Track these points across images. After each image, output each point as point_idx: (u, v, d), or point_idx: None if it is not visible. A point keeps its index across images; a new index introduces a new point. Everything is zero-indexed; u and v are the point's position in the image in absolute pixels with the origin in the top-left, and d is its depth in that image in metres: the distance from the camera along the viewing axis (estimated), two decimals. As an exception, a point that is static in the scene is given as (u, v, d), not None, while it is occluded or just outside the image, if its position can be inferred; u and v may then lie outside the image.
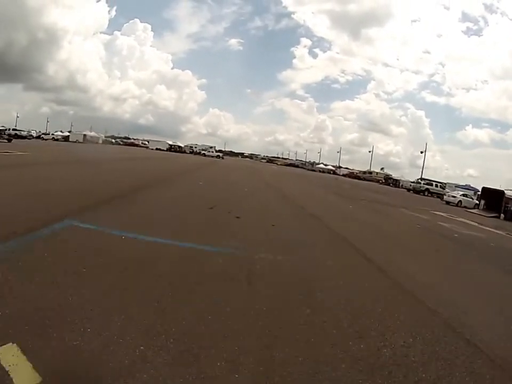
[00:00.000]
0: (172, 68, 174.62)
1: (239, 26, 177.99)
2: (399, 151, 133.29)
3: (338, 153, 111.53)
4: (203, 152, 75.00)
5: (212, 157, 70.86)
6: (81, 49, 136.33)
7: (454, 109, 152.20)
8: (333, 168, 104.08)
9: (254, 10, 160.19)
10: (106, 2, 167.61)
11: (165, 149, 76.10)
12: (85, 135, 73.02)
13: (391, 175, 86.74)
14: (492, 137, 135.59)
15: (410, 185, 51.12)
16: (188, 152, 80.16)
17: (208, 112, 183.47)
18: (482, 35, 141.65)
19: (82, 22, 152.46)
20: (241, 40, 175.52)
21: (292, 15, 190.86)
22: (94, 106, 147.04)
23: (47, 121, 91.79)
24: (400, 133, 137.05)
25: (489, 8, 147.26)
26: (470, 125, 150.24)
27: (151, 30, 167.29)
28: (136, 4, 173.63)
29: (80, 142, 66.69)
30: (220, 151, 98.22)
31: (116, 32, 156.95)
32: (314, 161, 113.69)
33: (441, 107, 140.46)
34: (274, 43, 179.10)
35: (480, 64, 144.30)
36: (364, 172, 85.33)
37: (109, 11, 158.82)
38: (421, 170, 66.81)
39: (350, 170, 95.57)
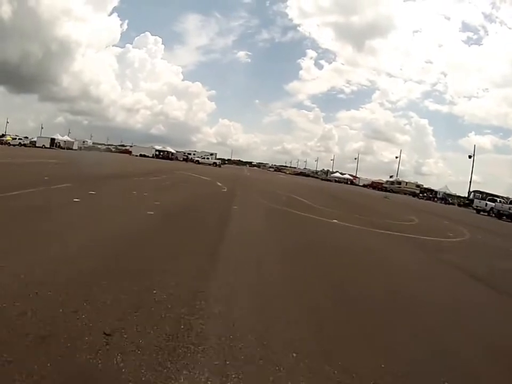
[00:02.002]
0: (182, 80, 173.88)
1: (246, 39, 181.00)
2: (403, 159, 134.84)
3: (355, 160, 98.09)
4: (196, 159, 61.23)
5: (209, 164, 57.80)
6: (94, 61, 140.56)
7: (457, 117, 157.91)
8: (351, 178, 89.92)
9: (261, 23, 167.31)
10: (118, 16, 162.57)
11: (151, 155, 62.50)
12: (52, 140, 59.60)
13: (422, 185, 72.68)
14: (494, 143, 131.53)
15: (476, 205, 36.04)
16: (181, 159, 66.75)
17: (218, 122, 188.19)
18: (482, 44, 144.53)
19: (95, 35, 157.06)
20: (249, 53, 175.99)
21: (298, 28, 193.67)
22: (108, 117, 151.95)
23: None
24: (404, 141, 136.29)
25: (488, 18, 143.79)
26: (473, 132, 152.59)
27: (162, 43, 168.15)
28: (147, 18, 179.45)
29: (47, 147, 54.30)
30: (223, 159, 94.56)
31: (128, 45, 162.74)
32: (328, 170, 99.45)
33: (444, 115, 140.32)
34: (281, 55, 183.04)
35: (480, 73, 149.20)
36: (392, 183, 70.23)
37: (120, 24, 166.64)
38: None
39: (374, 181, 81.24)
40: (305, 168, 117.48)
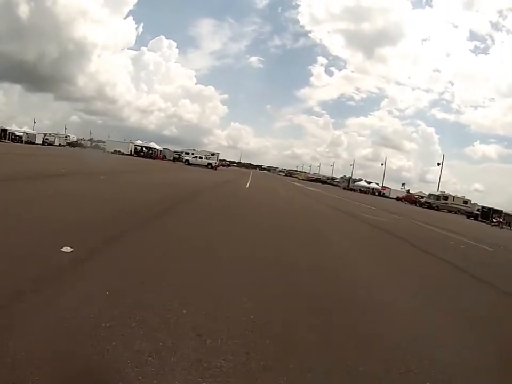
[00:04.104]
0: (196, 83, 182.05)
1: (259, 45, 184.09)
2: (410, 166, 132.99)
3: (383, 166, 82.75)
4: (186, 159, 46.72)
5: (204, 166, 44.05)
6: (110, 63, 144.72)
7: (463, 126, 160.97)
8: (379, 188, 74.39)
9: (273, 29, 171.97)
10: (134, 19, 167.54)
11: (128, 153, 48.27)
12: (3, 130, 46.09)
13: (469, 200, 56.91)
14: (499, 153, 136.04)
15: None
16: (172, 159, 52.53)
17: (230, 125, 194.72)
18: (489, 53, 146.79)
19: (111, 37, 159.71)
20: (261, 58, 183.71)
21: (309, 34, 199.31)
22: (122, 117, 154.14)
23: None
24: (411, 149, 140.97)
25: (495, 26, 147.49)
26: (478, 141, 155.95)
27: (176, 47, 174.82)
28: (161, 21, 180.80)
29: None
30: (232, 161, 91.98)
31: (143, 48, 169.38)
32: (350, 177, 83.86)
33: (450, 124, 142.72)
34: (292, 61, 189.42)
35: (487, 82, 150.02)
36: (437, 197, 54.03)
37: (136, 27, 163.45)
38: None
39: (409, 194, 65.86)
40: (315, 173, 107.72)
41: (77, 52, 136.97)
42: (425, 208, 46.87)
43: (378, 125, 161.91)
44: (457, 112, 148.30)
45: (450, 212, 48.95)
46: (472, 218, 45.19)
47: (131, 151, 50.21)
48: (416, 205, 51.23)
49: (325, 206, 16.85)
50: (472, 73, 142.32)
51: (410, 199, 60.25)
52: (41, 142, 52.72)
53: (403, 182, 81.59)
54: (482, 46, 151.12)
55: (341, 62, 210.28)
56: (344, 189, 70.62)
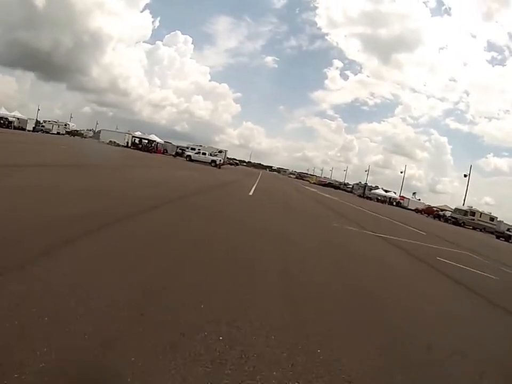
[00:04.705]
0: (210, 80, 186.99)
1: (274, 45, 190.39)
2: (421, 175, 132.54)
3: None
4: (188, 154, 41.93)
5: (207, 163, 39.17)
6: (124, 56, 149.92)
7: (476, 137, 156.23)
8: (397, 197, 68.74)
9: (290, 30, 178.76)
10: (150, 13, 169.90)
11: (124, 145, 43.71)
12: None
13: (495, 217, 50.80)
14: (511, 166, 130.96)
15: None
16: (173, 154, 47.90)
17: (242, 124, 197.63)
18: (506, 65, 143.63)
19: (127, 30, 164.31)
20: (277, 58, 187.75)
21: (326, 37, 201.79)
22: (134, 110, 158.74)
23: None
24: (423, 158, 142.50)
25: None
26: (491, 153, 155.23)
27: (192, 43, 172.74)
28: (178, 17, 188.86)
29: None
30: (243, 161, 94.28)
31: (158, 42, 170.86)
32: (366, 184, 78.07)
33: (464, 134, 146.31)
34: (308, 63, 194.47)
35: (503, 94, 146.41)
36: (465, 213, 47.96)
37: (152, 22, 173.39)
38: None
39: (429, 206, 60.36)
40: (325, 177, 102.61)
41: (92, 43, 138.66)
42: (450, 223, 41.64)
43: (391, 132, 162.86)
44: (471, 123, 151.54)
45: (475, 229, 43.48)
46: (503, 239, 38.97)
47: (127, 142, 45.59)
48: (440, 220, 45.81)
49: (369, 235, 11.97)
50: (488, 84, 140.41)
51: (431, 212, 54.95)
52: (31, 129, 48.60)
53: (414, 191, 77.55)
54: (499, 57, 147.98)
55: (356, 66, 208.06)
56: (360, 196, 65.44)
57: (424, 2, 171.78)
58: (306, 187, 47.47)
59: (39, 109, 76.54)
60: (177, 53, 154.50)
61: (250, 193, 14.26)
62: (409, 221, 22.25)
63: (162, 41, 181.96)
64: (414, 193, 76.81)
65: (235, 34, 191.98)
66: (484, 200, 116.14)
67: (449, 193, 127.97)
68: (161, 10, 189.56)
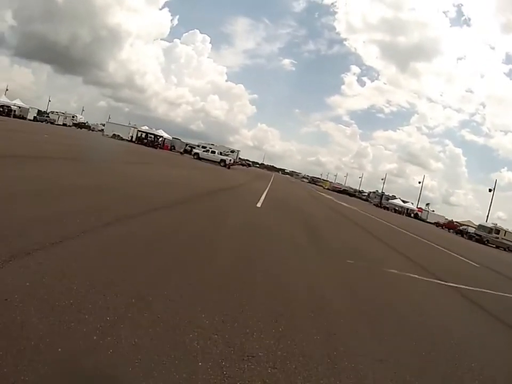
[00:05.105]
0: (226, 80, 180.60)
1: (292, 48, 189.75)
2: (434, 186, 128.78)
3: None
4: (196, 151, 39.00)
5: (216, 162, 36.31)
6: (142, 52, 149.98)
7: (491, 150, 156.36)
8: (415, 209, 64.70)
9: (308, 33, 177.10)
10: (169, 11, 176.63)
11: (128, 139, 40.97)
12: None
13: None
14: None
15: None
16: (182, 152, 45.09)
17: (257, 126, 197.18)
18: None
19: (145, 27, 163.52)
20: (294, 61, 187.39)
21: (344, 42, 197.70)
22: (149, 107, 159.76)
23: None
24: (437, 168, 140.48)
25: None
26: (505, 167, 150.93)
27: (210, 42, 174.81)
28: (197, 16, 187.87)
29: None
30: (256, 162, 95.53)
31: (176, 40, 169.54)
32: (383, 193, 73.97)
33: (479, 147, 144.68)
34: (325, 67, 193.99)
35: None
36: (489, 230, 43.43)
37: (171, 19, 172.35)
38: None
39: (451, 221, 56.52)
40: (338, 183, 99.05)
41: (110, 38, 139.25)
42: (474, 241, 38.14)
43: (406, 141, 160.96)
44: (487, 135, 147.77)
45: (498, 247, 39.68)
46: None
47: (132, 136, 42.72)
48: (463, 236, 42.00)
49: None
50: (505, 97, 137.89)
51: (453, 227, 51.38)
52: (32, 118, 46.36)
53: (427, 202, 74.85)
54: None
55: (374, 72, 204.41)
56: (377, 206, 61.63)
57: (444, 12, 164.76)
58: (321, 193, 43.95)
59: (49, 100, 75.49)
60: (194, 52, 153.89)
61: (259, 205, 10.70)
62: (443, 242, 18.62)
63: (180, 39, 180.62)
64: (427, 204, 73.90)
65: (253, 35, 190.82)
66: (496, 215, 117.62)
67: (463, 205, 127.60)
68: (181, 9, 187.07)
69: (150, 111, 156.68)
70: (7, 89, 59.89)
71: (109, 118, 74.14)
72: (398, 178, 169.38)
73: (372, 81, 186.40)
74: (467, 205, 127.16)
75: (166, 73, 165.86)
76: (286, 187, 34.35)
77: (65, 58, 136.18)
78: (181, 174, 16.32)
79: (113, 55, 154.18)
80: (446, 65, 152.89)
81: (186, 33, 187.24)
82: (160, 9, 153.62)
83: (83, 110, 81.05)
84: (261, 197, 13.02)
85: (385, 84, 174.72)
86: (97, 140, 32.02)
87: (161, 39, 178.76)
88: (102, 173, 9.61)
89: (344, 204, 29.86)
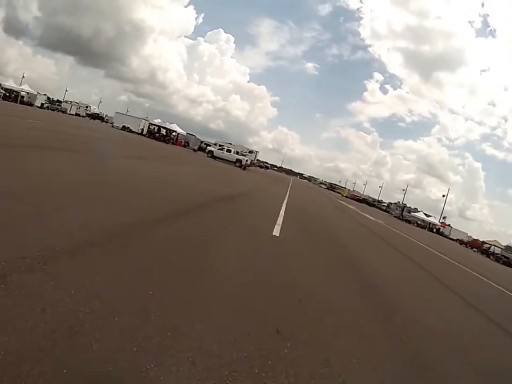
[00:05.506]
0: (248, 81, 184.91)
1: (316, 52, 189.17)
2: (451, 199, 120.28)
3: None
4: (209, 149, 36.04)
5: (231, 162, 33.40)
6: (165, 48, 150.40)
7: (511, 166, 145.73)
8: (438, 224, 60.29)
9: (333, 38, 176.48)
10: (195, 8, 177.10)
11: (138, 132, 38.34)
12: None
13: None
14: None
15: None
16: (196, 149, 42.43)
17: (277, 129, 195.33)
18: None
19: (169, 24, 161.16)
20: (317, 65, 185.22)
21: (368, 48, 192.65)
22: (170, 103, 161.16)
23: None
24: (455, 181, 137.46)
25: None
26: None
27: (234, 42, 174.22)
28: (222, 15, 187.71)
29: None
30: (274, 165, 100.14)
31: (200, 38, 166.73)
32: (405, 205, 69.52)
33: (498, 162, 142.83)
34: (348, 73, 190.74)
35: None
36: None
37: (196, 17, 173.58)
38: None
39: (475, 240, 53.12)
40: (355, 190, 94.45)
41: (134, 33, 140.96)
42: (502, 263, 35.24)
43: (425, 151, 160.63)
44: (507, 150, 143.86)
45: None
46: None
47: (142, 129, 39.85)
48: (489, 257, 38.94)
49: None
50: None
51: (477, 246, 48.64)
52: (39, 105, 44.37)
53: (444, 216, 69.46)
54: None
55: (396, 81, 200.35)
56: (398, 218, 57.64)
57: (469, 22, 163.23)
58: (342, 202, 40.23)
59: (66, 90, 74.38)
60: (218, 51, 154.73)
61: (276, 233, 6.77)
62: (480, 268, 15.08)
63: (204, 37, 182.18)
64: (444, 218, 69.18)
65: (277, 37, 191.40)
66: (511, 231, 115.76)
67: (478, 220, 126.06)
68: (206, 7, 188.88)
69: (171, 107, 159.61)
70: (23, 76, 58.54)
71: (127, 111, 72.48)
72: (414, 189, 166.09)
73: (395, 89, 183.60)
74: (482, 219, 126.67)
75: (188, 71, 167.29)
76: (307, 194, 30.84)
77: (88, 51, 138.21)
78: (182, 172, 13.21)
79: (136, 50, 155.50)
80: (469, 76, 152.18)
81: (210, 32, 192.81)
82: (185, 7, 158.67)
83: (100, 102, 79.91)
84: (278, 215, 9.62)
85: (407, 92, 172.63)
86: (100, 130, 29.26)
87: (185, 36, 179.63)
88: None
89: (367, 216, 26.20)
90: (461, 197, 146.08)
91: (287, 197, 16.78)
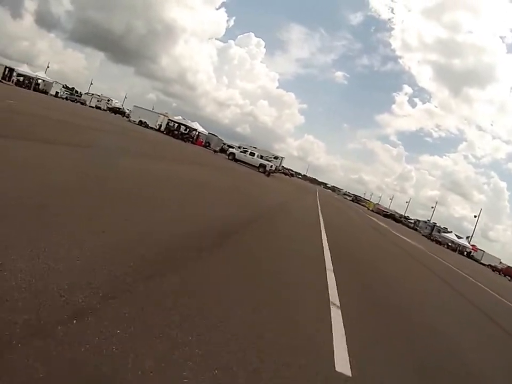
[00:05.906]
0: (277, 87, 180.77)
1: (346, 61, 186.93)
2: (472, 218, 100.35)
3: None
4: (231, 151, 33.59)
5: (252, 165, 30.96)
6: (196, 50, 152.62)
7: None
8: (469, 247, 55.58)
9: (363, 48, 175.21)
10: (226, 11, 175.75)
11: (156, 127, 35.93)
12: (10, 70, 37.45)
13: None
14: None
15: None
16: (216, 150, 40.02)
17: (303, 137, 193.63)
18: None
19: (200, 25, 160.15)
20: (347, 75, 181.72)
21: (398, 60, 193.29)
22: (198, 105, 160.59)
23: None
24: (479, 200, 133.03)
25: None
26: None
27: (264, 47, 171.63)
28: (253, 19, 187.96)
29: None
30: (298, 173, 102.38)
31: (230, 41, 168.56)
32: (435, 224, 64.83)
33: None
34: (377, 84, 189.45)
35: None
36: None
37: (227, 20, 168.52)
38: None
39: (508, 267, 48.90)
40: (378, 204, 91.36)
41: (165, 33, 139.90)
42: None
43: (451, 168, 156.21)
44: None
45: None
46: None
47: (160, 125, 37.36)
48: None
49: None
50: None
51: (511, 274, 43.03)
52: (54, 94, 42.87)
53: (467, 235, 64.76)
54: None
55: (425, 94, 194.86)
56: (428, 238, 53.43)
57: (500, 37, 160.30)
58: (372, 217, 36.68)
59: (91, 83, 73.77)
60: (248, 55, 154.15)
61: (330, 289, 4.24)
62: None
63: (234, 40, 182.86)
64: (467, 237, 64.69)
65: (308, 44, 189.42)
66: None
67: (501, 241, 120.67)
68: (237, 11, 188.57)
69: (199, 109, 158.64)
70: (48, 67, 57.81)
71: (153, 108, 71.18)
72: (438, 206, 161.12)
73: (423, 103, 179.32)
74: (505, 241, 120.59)
75: (218, 73, 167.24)
76: (341, 211, 27.62)
77: (119, 48, 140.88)
78: (195, 174, 10.38)
79: (167, 50, 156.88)
80: (499, 93, 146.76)
81: (241, 35, 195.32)
82: (217, 9, 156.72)
83: (125, 98, 79.16)
84: (322, 243, 6.61)
85: (436, 107, 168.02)
86: (109, 123, 26.99)
87: (215, 39, 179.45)
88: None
89: (410, 242, 22.65)
90: (484, 217, 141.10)
91: (322, 224, 13.71)
